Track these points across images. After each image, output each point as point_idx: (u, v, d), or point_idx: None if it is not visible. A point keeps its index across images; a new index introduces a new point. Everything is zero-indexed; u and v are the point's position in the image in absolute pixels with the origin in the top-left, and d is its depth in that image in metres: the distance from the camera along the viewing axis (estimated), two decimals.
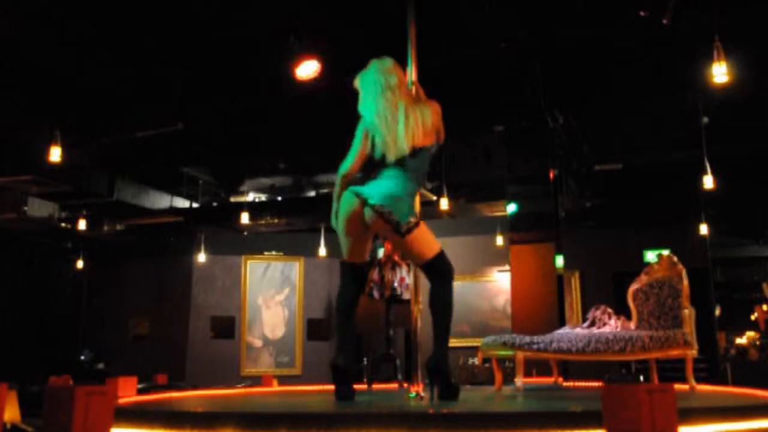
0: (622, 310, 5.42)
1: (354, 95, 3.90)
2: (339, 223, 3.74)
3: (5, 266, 12.41)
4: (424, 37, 4.35)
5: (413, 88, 4.03)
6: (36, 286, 12.86)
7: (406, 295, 5.73)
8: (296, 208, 11.44)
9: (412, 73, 4.15)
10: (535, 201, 8.88)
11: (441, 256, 3.70)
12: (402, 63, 4.12)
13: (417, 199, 3.87)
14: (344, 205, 3.66)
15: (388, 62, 3.88)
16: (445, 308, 3.65)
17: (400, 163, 3.65)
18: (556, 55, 6.89)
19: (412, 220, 3.58)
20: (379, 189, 3.60)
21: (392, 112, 3.68)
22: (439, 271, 3.70)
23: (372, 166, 3.74)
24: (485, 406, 3.53)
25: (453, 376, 3.78)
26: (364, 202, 3.58)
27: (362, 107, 3.81)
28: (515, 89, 7.32)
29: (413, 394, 3.74)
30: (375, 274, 5.84)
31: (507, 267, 10.36)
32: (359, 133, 3.81)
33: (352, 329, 3.89)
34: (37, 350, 12.23)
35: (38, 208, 10.39)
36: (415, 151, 3.67)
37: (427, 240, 3.68)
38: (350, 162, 3.81)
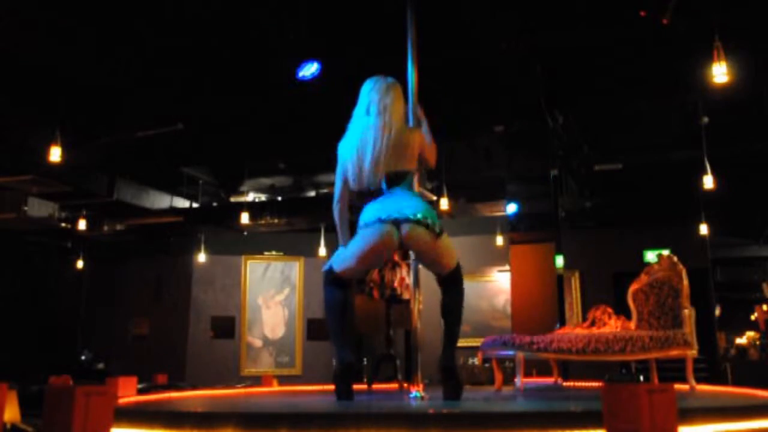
0: (622, 310, 5.43)
1: (354, 94, 3.90)
2: (361, 252, 3.67)
3: (5, 266, 12.40)
4: (424, 37, 4.34)
5: (416, 110, 4.05)
6: (36, 286, 12.86)
7: (406, 295, 5.72)
8: (296, 208, 11.45)
9: (414, 87, 4.15)
10: (535, 201, 8.90)
11: (459, 267, 3.80)
12: (402, 63, 4.12)
13: None
14: (375, 236, 3.59)
15: (381, 82, 3.84)
16: (459, 314, 3.79)
17: (390, 187, 3.64)
18: (556, 55, 6.89)
19: (440, 223, 3.66)
20: (405, 204, 3.57)
21: (373, 135, 3.65)
22: (456, 281, 3.79)
23: (371, 196, 3.68)
24: (485, 406, 3.53)
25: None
26: (397, 222, 3.55)
27: (349, 127, 3.81)
28: (515, 89, 7.32)
29: (418, 394, 3.75)
30: (375, 274, 5.83)
31: (507, 267, 10.37)
32: (339, 157, 3.82)
33: (350, 329, 3.93)
34: (37, 350, 12.23)
35: (38, 208, 10.39)
36: (397, 177, 3.64)
37: (452, 249, 3.76)
38: (338, 188, 3.80)
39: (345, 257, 3.77)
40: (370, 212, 3.62)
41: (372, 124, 3.70)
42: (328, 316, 3.85)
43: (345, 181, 3.81)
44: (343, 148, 3.79)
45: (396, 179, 3.64)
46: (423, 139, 3.84)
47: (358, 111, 3.82)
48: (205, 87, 7.50)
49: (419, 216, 3.55)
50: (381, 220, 3.56)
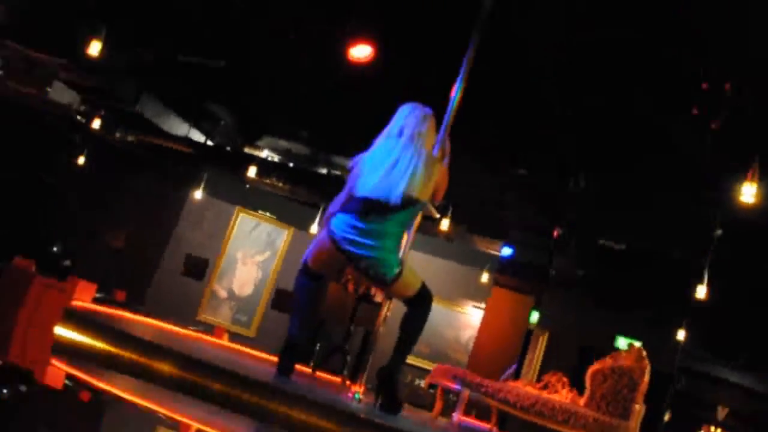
0: (577, 384, 5.43)
1: (399, 89, 3.91)
2: (313, 252, 3.75)
3: (9, 142, 12.37)
4: (480, 62, 4.33)
5: (444, 142, 4.02)
6: (35, 168, 12.82)
7: (378, 298, 5.73)
8: (304, 179, 11.42)
9: (454, 107, 4.15)
10: (530, 251, 8.87)
11: (422, 291, 3.75)
12: (449, 78, 4.12)
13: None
14: (323, 246, 3.65)
15: (419, 110, 3.83)
16: (416, 333, 3.78)
17: (392, 212, 3.57)
18: (599, 117, 6.89)
19: (397, 270, 3.60)
20: (366, 249, 3.53)
21: (403, 158, 3.63)
22: (418, 303, 3.77)
23: (360, 208, 3.61)
24: (415, 429, 3.53)
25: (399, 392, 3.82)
26: (347, 256, 3.56)
27: (376, 143, 3.80)
28: (552, 140, 7.33)
29: (357, 395, 3.76)
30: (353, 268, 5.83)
31: (483, 305, 10.35)
32: (356, 168, 3.78)
33: (315, 312, 3.96)
34: (15, 226, 12.20)
35: (60, 94, 10.37)
36: (408, 203, 3.59)
37: (410, 280, 3.72)
38: (342, 197, 3.76)
39: (309, 252, 3.83)
40: (337, 222, 3.62)
41: (403, 146, 3.67)
42: (295, 296, 3.91)
43: (350, 194, 3.74)
44: (365, 161, 3.73)
45: (406, 204, 3.59)
46: (444, 176, 3.82)
47: (390, 131, 3.79)
48: (262, 31, 7.38)
49: (368, 269, 3.55)
50: (331, 239, 3.59)
